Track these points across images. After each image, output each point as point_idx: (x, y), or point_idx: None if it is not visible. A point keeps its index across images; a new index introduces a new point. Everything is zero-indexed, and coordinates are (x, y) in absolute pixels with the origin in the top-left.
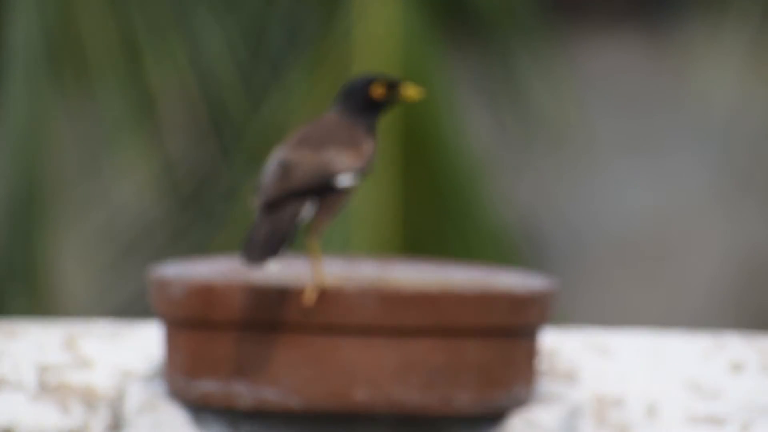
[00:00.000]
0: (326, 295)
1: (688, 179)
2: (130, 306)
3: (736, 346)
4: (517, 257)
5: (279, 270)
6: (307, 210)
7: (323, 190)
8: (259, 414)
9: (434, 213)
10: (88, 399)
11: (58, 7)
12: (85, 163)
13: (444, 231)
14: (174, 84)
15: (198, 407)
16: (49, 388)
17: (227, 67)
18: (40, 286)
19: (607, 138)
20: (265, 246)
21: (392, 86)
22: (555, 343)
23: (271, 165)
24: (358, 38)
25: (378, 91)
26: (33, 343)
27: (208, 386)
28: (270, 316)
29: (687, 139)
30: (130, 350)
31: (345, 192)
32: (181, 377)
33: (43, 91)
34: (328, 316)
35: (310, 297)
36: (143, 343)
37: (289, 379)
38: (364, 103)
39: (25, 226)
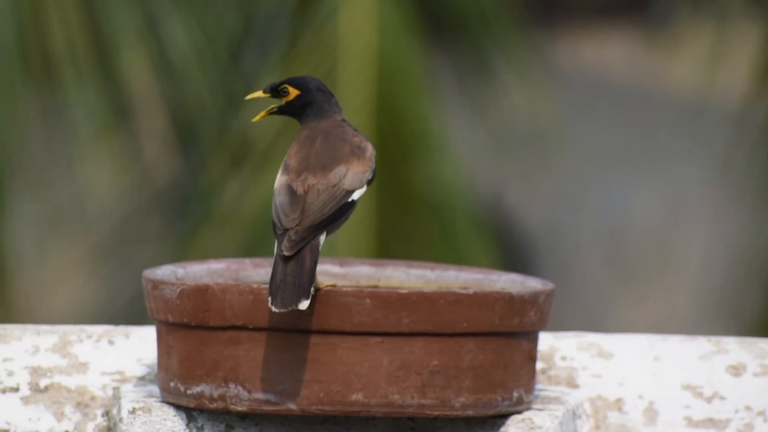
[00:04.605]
0: (322, 297)
1: (681, 181)
2: (122, 310)
3: (735, 349)
4: (502, 260)
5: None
6: (323, 237)
7: (339, 210)
8: (253, 416)
9: (418, 213)
10: (83, 402)
11: (31, 8)
12: (62, 166)
13: (429, 231)
14: (149, 86)
15: (192, 409)
16: (43, 392)
17: (204, 66)
18: (20, 294)
19: (599, 140)
20: (300, 289)
21: None
22: (553, 345)
23: (283, 197)
24: (337, 31)
25: None
26: (27, 347)
27: (203, 389)
28: (265, 317)
29: (679, 139)
30: (124, 353)
31: (354, 203)
32: (176, 380)
33: (16, 93)
34: (324, 318)
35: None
36: (137, 346)
37: (284, 382)
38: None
39: None
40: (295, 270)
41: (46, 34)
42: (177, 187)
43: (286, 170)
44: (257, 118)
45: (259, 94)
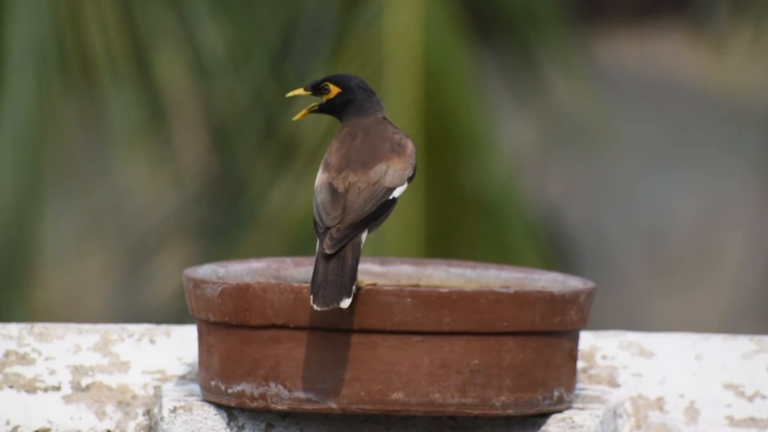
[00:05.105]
0: (362, 296)
1: (723, 180)
2: (162, 309)
3: None
4: (551, 259)
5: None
6: (365, 235)
7: (380, 208)
8: (294, 415)
9: (466, 213)
10: (124, 401)
11: (70, 11)
12: (100, 166)
13: (478, 231)
14: (187, 88)
15: (233, 408)
16: (84, 390)
17: (247, 68)
18: (57, 293)
19: (642, 139)
20: (342, 287)
21: None
22: (594, 344)
23: (324, 194)
24: (383, 31)
25: None
26: (68, 346)
27: (244, 388)
28: (306, 316)
29: (721, 138)
30: (165, 352)
31: (395, 201)
32: (216, 378)
33: (53, 92)
34: (365, 317)
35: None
36: (178, 345)
37: (325, 381)
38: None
39: (28, 233)
40: (337, 268)
41: (84, 37)
42: (216, 189)
43: (327, 168)
44: (298, 116)
45: (300, 91)
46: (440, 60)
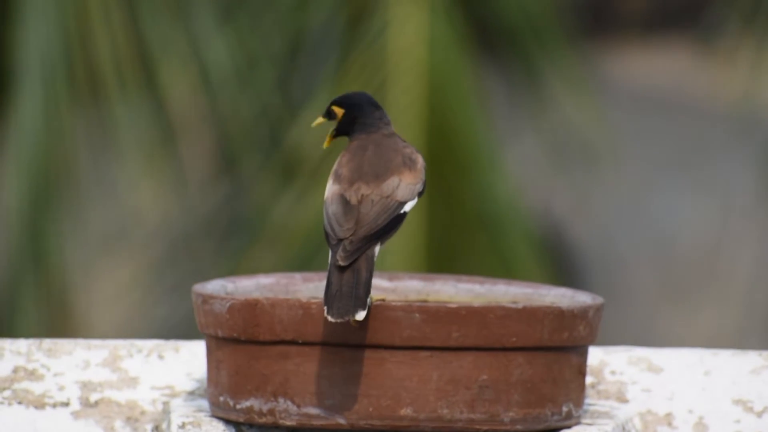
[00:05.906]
0: (371, 312)
1: (731, 195)
2: (171, 328)
3: None
4: (556, 275)
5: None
6: (378, 248)
7: (392, 221)
8: (302, 431)
9: (469, 229)
10: (132, 416)
11: (78, 26)
12: (110, 183)
13: (481, 248)
14: (196, 105)
15: (241, 424)
16: (93, 406)
17: (252, 84)
18: (73, 311)
19: (648, 154)
20: (357, 299)
21: None
22: (603, 360)
23: (336, 206)
24: (387, 47)
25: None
26: (77, 362)
27: (252, 403)
28: (315, 332)
29: (728, 153)
30: (173, 368)
31: (405, 215)
32: (225, 394)
33: (61, 108)
34: (373, 332)
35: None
36: (187, 361)
37: (333, 396)
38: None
39: (42, 250)
40: (351, 280)
41: (92, 54)
42: (225, 206)
43: (338, 179)
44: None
45: (320, 120)
46: (444, 76)
